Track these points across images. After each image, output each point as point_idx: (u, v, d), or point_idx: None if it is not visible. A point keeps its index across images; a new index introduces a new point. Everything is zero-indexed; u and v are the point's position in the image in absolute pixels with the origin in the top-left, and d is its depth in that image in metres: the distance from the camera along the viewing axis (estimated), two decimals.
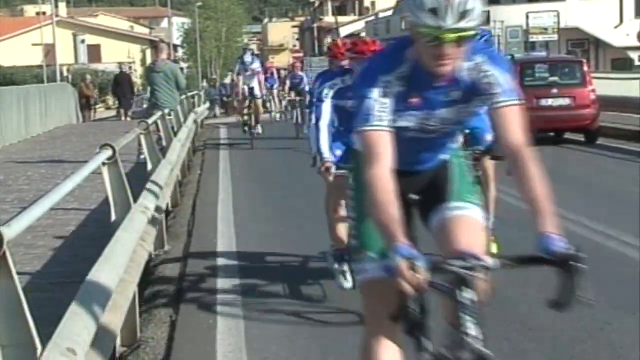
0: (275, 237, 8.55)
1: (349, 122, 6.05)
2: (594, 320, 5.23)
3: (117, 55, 54.23)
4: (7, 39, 54.62)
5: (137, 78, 43.42)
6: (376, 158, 3.03)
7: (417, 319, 2.93)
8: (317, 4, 78.09)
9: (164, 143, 11.56)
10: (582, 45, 45.15)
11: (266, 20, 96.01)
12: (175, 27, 68.98)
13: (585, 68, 17.57)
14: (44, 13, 51.89)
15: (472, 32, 2.96)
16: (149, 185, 7.37)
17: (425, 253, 2.83)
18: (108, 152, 5.74)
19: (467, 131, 6.23)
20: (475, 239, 3.28)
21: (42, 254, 8.02)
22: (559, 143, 16.53)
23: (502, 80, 3.14)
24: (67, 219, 9.70)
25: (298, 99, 20.67)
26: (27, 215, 3.46)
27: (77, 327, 3.44)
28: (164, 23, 75.26)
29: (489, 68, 3.15)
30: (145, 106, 23.64)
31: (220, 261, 7.53)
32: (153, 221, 6.64)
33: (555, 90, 16.57)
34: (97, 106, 37.35)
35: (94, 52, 58.72)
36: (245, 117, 18.97)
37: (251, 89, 18.64)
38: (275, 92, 25.54)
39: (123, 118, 30.82)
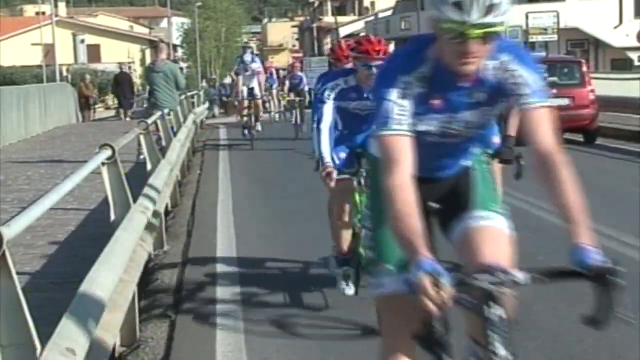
0: (274, 238, 8.55)
1: (352, 124, 6.02)
2: None
3: (116, 55, 54.22)
4: (6, 38, 54.62)
5: (136, 78, 43.38)
6: (395, 164, 2.83)
7: (439, 337, 2.80)
8: (316, 4, 78.08)
9: (164, 143, 11.56)
10: (582, 46, 45.14)
11: (265, 20, 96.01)
12: (174, 26, 68.97)
13: (584, 68, 17.60)
14: (44, 13, 51.89)
15: (499, 28, 2.77)
16: (148, 185, 7.36)
17: (447, 266, 2.63)
18: (107, 152, 5.73)
19: None
20: (501, 250, 3.07)
21: (42, 253, 8.02)
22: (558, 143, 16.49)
23: (531, 80, 2.95)
24: (66, 219, 9.70)
25: (297, 99, 20.61)
26: (26, 215, 3.46)
27: (76, 326, 3.44)
28: (164, 23, 75.26)
29: (516, 67, 2.96)
30: (145, 106, 23.61)
31: (219, 261, 7.53)
32: (152, 221, 6.64)
33: (554, 90, 16.57)
34: (96, 106, 37.33)
35: (94, 52, 58.72)
36: (245, 119, 18.69)
37: (250, 89, 18.41)
38: (274, 92, 25.29)
39: (123, 117, 30.81)
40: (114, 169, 5.84)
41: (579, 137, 17.03)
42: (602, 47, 44.97)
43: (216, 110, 34.71)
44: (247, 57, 18.86)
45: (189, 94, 25.28)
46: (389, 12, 56.53)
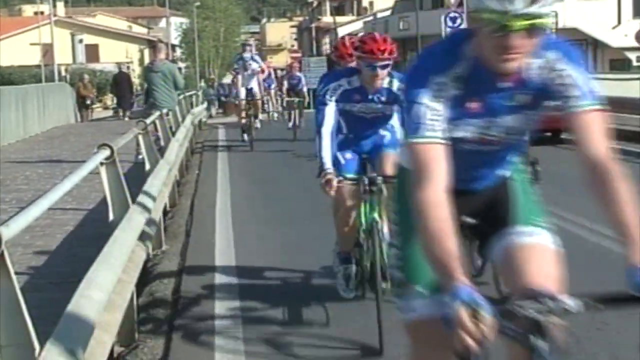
0: (273, 238, 8.55)
1: (356, 128, 5.73)
2: (591, 320, 5.22)
3: (115, 55, 54.24)
4: (5, 38, 54.58)
5: (135, 78, 43.34)
6: (428, 177, 2.52)
7: None
8: (315, 4, 78.07)
9: (162, 143, 11.56)
10: (580, 46, 45.14)
11: (264, 20, 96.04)
12: (173, 26, 68.99)
13: None
14: (42, 12, 51.87)
15: (545, 20, 2.47)
16: (147, 185, 7.36)
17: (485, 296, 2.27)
18: (106, 152, 5.73)
19: None
20: (549, 271, 2.73)
21: (40, 253, 8.02)
22: (556, 143, 16.49)
23: (581, 80, 2.65)
24: (65, 219, 9.70)
25: (296, 99, 20.39)
26: (25, 215, 3.46)
27: (75, 326, 3.44)
28: (162, 23, 75.26)
29: (565, 66, 2.66)
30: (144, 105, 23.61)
31: (218, 261, 7.53)
32: (151, 221, 6.63)
33: None
34: (94, 106, 37.31)
35: (92, 52, 58.70)
36: (243, 121, 18.34)
37: (249, 90, 18.06)
38: (272, 92, 24.97)
39: (122, 117, 30.79)
40: (113, 169, 5.84)
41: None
42: (601, 48, 44.99)
43: (213, 110, 34.68)
44: (247, 55, 18.48)
45: (187, 94, 25.25)
46: (388, 12, 56.52)
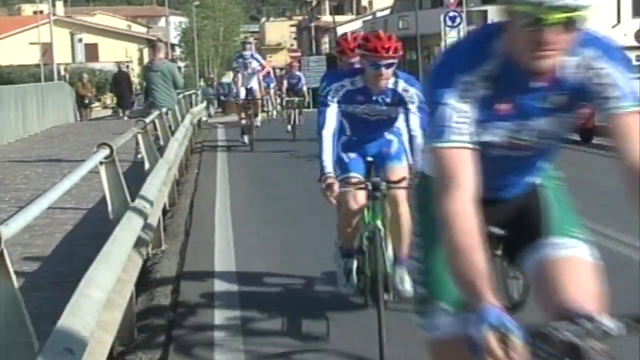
0: (273, 238, 8.55)
1: (360, 130, 5.50)
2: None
3: (114, 55, 54.23)
4: (4, 38, 54.55)
5: (134, 77, 43.33)
6: (455, 185, 2.32)
7: None
8: (314, 4, 78.08)
9: (162, 142, 11.56)
10: None
11: (264, 20, 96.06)
12: (172, 26, 68.99)
13: None
14: (42, 12, 51.84)
15: (583, 13, 2.26)
16: (147, 185, 7.36)
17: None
18: (106, 152, 5.73)
19: None
20: (587, 288, 2.50)
21: (40, 253, 8.02)
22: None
23: (622, 80, 2.43)
24: (64, 218, 9.70)
25: (296, 99, 20.17)
26: (24, 215, 3.46)
27: (74, 326, 3.44)
28: (162, 22, 75.24)
29: (604, 65, 2.45)
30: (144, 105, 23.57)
31: (218, 261, 7.53)
32: (150, 220, 6.63)
33: None
34: (93, 105, 37.29)
35: (92, 51, 58.68)
36: (244, 122, 18.02)
37: (249, 90, 17.69)
38: (272, 91, 24.66)
39: (122, 117, 30.77)
40: (113, 168, 5.84)
41: (576, 137, 17.02)
42: None
43: (212, 110, 34.63)
44: (248, 53, 18.03)
45: (187, 93, 25.22)
46: (387, 12, 56.53)
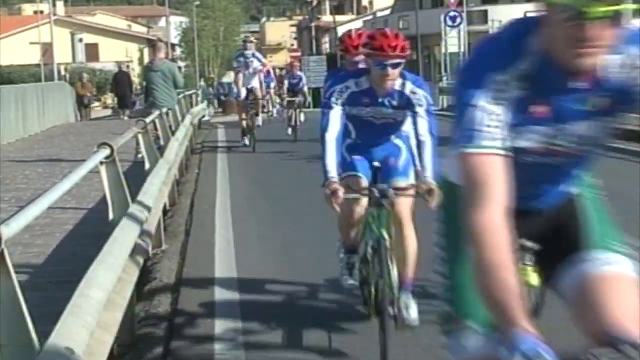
0: (273, 238, 8.55)
1: (365, 134, 5.25)
2: None
3: (114, 54, 54.22)
4: (4, 37, 54.56)
5: (134, 77, 43.35)
6: (484, 195, 2.12)
7: None
8: (314, 3, 78.13)
9: (162, 142, 11.56)
10: None
11: (264, 19, 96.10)
12: (172, 25, 69.00)
13: None
14: (42, 11, 51.87)
15: (630, 6, 2.09)
16: (147, 184, 7.36)
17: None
18: (106, 151, 5.73)
19: None
20: (632, 310, 2.26)
21: (40, 252, 8.02)
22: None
23: None
24: (64, 218, 9.70)
25: (297, 99, 19.87)
26: (24, 214, 3.46)
27: (74, 326, 3.44)
28: (162, 22, 75.27)
29: None
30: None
31: (218, 260, 7.53)
32: (150, 220, 6.63)
33: None
34: (93, 105, 37.29)
35: (92, 51, 58.68)
36: (244, 123, 17.73)
37: (250, 90, 17.34)
38: (272, 91, 24.26)
39: (122, 116, 30.77)
40: (113, 168, 5.84)
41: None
42: None
43: (212, 110, 34.61)
44: (249, 52, 17.61)
45: (187, 93, 25.20)
46: (388, 11, 56.56)
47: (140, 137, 9.11)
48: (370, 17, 62.31)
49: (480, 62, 2.28)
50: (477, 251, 2.11)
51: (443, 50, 39.33)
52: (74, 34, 58.17)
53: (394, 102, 5.02)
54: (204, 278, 6.92)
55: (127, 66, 40.16)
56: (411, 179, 5.21)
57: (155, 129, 11.70)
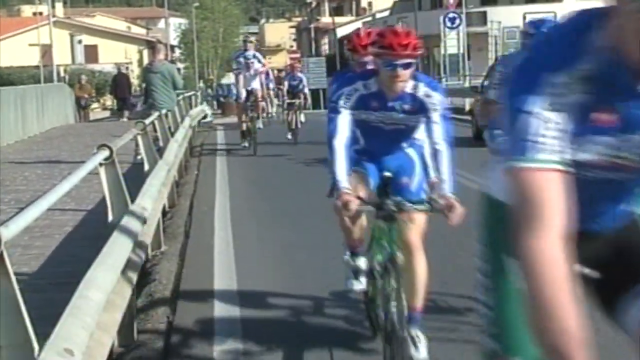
0: (272, 240, 8.56)
1: (373, 140, 4.85)
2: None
3: (114, 56, 54.22)
4: (3, 39, 54.56)
5: (134, 78, 43.36)
6: (539, 219, 1.81)
7: None
8: (313, 5, 78.13)
9: (161, 143, 11.57)
10: None
11: (263, 21, 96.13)
12: (172, 27, 69.01)
13: None
14: (41, 13, 51.83)
15: None
16: (146, 186, 7.37)
17: None
18: (105, 153, 5.74)
19: None
20: None
21: (39, 254, 8.02)
22: None
23: None
24: (64, 219, 9.70)
25: (297, 101, 19.58)
26: (24, 216, 3.46)
27: (74, 327, 3.44)
28: (161, 23, 75.27)
29: None
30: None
31: (217, 262, 7.54)
32: (150, 222, 6.64)
33: None
34: (92, 107, 37.30)
35: (91, 53, 58.68)
36: (244, 126, 17.47)
37: (250, 91, 17.07)
38: (272, 92, 23.92)
39: (121, 118, 30.78)
40: (112, 169, 5.85)
41: None
42: None
43: (209, 111, 34.54)
44: (250, 53, 17.37)
45: (186, 94, 25.16)
46: (387, 13, 56.58)
47: (139, 138, 9.11)
48: (370, 18, 62.36)
49: (535, 61, 1.95)
50: (531, 285, 1.80)
51: (442, 51, 39.38)
52: (73, 35, 58.17)
53: (406, 107, 4.61)
54: (203, 279, 6.93)
55: (127, 68, 40.24)
56: (425, 205, 4.55)
57: (155, 130, 11.70)
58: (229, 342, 5.33)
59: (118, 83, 31.55)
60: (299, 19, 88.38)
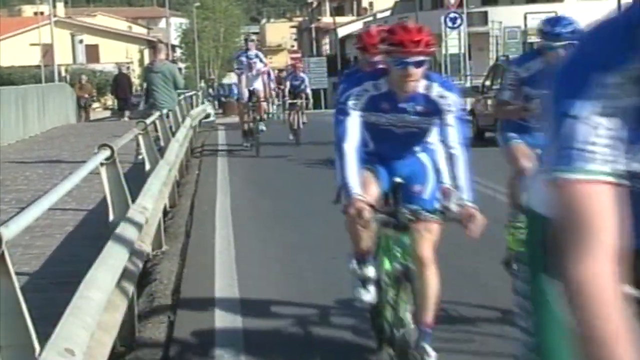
0: (273, 240, 8.55)
1: (384, 144, 4.56)
2: None
3: (115, 55, 54.23)
4: (4, 38, 54.58)
5: (135, 78, 43.40)
6: (589, 238, 1.59)
7: None
8: (314, 5, 78.13)
9: (162, 143, 11.56)
10: None
11: (264, 21, 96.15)
12: (173, 27, 69.02)
13: None
14: (42, 13, 51.86)
15: None
16: (147, 185, 7.37)
17: None
18: (106, 152, 5.74)
19: (536, 151, 5.49)
20: None
21: (40, 254, 8.02)
22: None
23: None
24: (65, 219, 9.70)
25: (298, 101, 19.36)
26: (25, 216, 3.46)
27: (75, 327, 3.44)
28: (162, 23, 75.28)
29: None
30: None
31: (218, 262, 7.53)
32: (151, 221, 6.64)
33: None
34: (94, 106, 37.32)
35: (92, 52, 58.70)
36: (246, 126, 17.28)
37: (252, 91, 16.91)
38: (273, 92, 23.60)
39: (125, 118, 30.78)
40: (113, 169, 5.85)
41: None
42: None
43: (212, 110, 34.51)
44: (252, 52, 17.17)
45: (187, 94, 25.11)
46: (388, 13, 56.59)
47: (140, 138, 9.12)
48: (371, 18, 62.38)
49: (583, 59, 1.71)
50: (580, 315, 1.58)
51: (443, 51, 39.37)
52: (75, 35, 58.19)
53: (418, 108, 4.34)
54: (204, 279, 6.92)
55: (127, 68, 40.23)
56: (438, 215, 4.32)
57: (156, 130, 11.70)
58: (229, 342, 5.32)
59: (119, 83, 31.57)
60: (300, 19, 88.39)
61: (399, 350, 4.27)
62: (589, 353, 1.54)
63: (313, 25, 72.97)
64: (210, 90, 37.72)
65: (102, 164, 5.71)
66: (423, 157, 4.62)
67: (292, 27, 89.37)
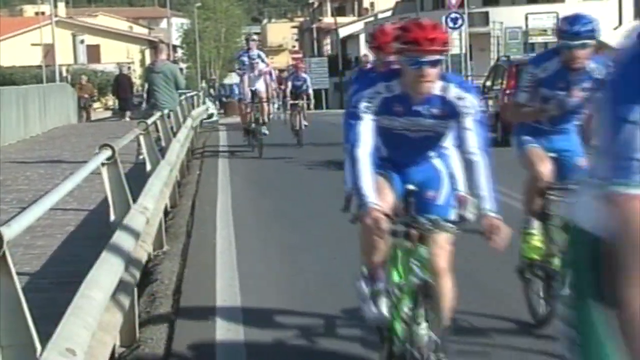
0: (274, 240, 8.56)
1: (397, 150, 4.31)
2: None
3: (116, 56, 54.24)
4: (6, 38, 54.61)
5: (136, 78, 43.41)
6: None
7: None
8: (316, 5, 78.12)
9: (163, 143, 11.57)
10: None
11: (265, 21, 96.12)
12: (174, 27, 68.98)
13: None
14: (43, 13, 51.90)
15: None
16: (148, 186, 7.37)
17: None
18: (107, 152, 5.74)
19: (552, 155, 5.35)
20: None
21: (41, 254, 8.02)
22: None
23: None
24: (66, 219, 9.70)
25: (300, 102, 19.14)
26: (26, 215, 3.47)
27: (76, 327, 3.44)
28: (163, 23, 75.26)
29: None
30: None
31: (219, 262, 7.53)
32: (152, 221, 6.64)
33: None
34: (95, 107, 37.32)
35: (93, 52, 58.72)
36: (247, 124, 17.06)
37: (254, 91, 16.74)
38: (274, 92, 23.33)
39: (126, 118, 30.77)
40: (114, 169, 5.85)
41: None
42: (602, 48, 44.94)
43: (214, 110, 34.52)
44: (254, 52, 17.02)
45: (188, 94, 25.08)
46: (389, 13, 56.56)
47: (141, 138, 9.12)
48: (372, 18, 62.37)
49: (636, 60, 1.56)
50: (639, 347, 1.40)
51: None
52: (76, 35, 58.21)
53: (434, 111, 4.07)
54: (205, 279, 6.92)
55: (129, 68, 40.24)
56: (453, 227, 4.04)
57: (157, 130, 11.70)
58: (230, 342, 5.33)
59: (120, 83, 31.56)
60: (301, 19, 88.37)
61: None
62: None
63: (314, 26, 72.97)
64: (212, 91, 37.70)
65: (103, 164, 5.72)
66: (437, 162, 4.39)
67: (294, 27, 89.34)
